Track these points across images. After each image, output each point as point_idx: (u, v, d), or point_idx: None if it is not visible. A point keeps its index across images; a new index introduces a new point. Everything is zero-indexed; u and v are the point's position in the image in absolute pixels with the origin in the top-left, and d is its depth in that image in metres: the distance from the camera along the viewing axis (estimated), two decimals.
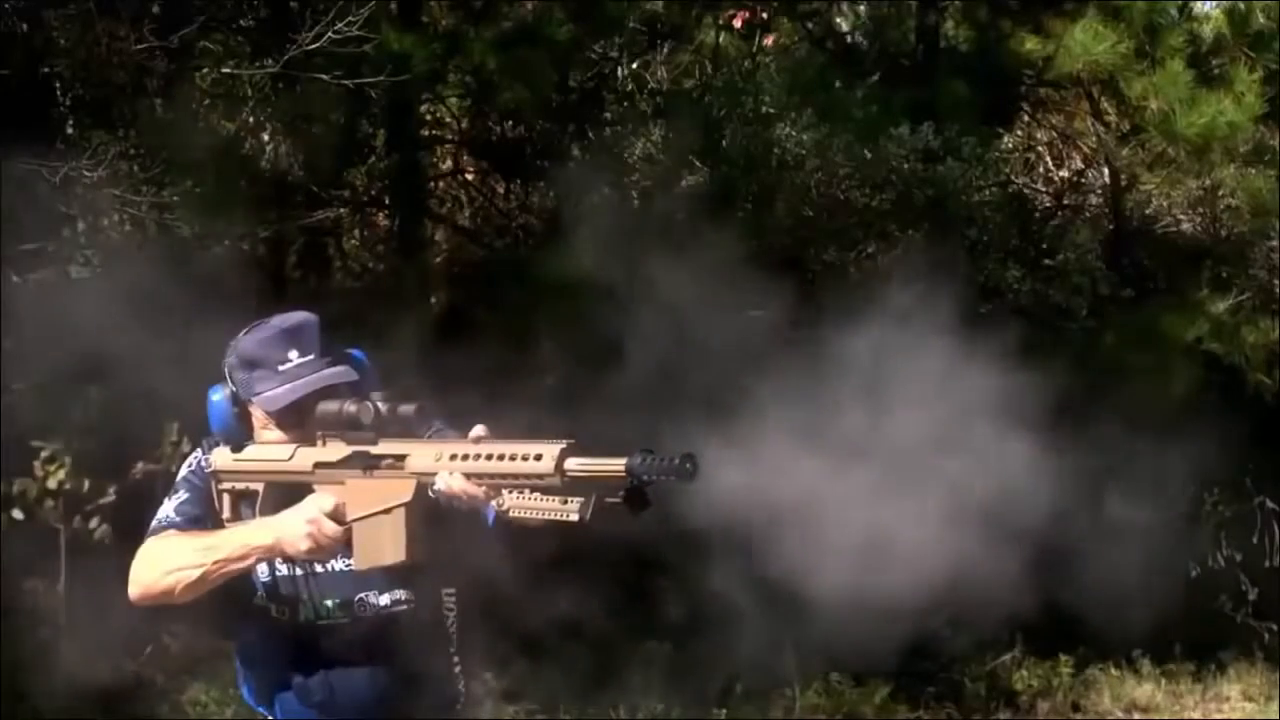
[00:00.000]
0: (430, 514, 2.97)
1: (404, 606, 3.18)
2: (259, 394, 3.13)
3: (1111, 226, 10.48)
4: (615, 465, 2.71)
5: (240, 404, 3.17)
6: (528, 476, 2.78)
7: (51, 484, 7.04)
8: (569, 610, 7.84)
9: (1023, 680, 9.12)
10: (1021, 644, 9.20)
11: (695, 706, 8.33)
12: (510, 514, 2.80)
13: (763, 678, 8.52)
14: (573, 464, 2.75)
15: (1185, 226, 10.64)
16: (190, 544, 3.11)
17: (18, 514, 7.06)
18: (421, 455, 2.95)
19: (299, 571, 3.18)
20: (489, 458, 2.83)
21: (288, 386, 3.09)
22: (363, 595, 3.16)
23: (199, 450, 3.30)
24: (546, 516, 2.75)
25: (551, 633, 8.02)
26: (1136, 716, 9.17)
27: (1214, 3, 10.48)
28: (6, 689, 6.98)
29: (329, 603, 3.17)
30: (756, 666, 8.39)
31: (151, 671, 7.73)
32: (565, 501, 2.73)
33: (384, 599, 3.17)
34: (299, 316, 3.16)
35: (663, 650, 8.32)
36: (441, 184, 9.77)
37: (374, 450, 3.01)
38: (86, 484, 7.08)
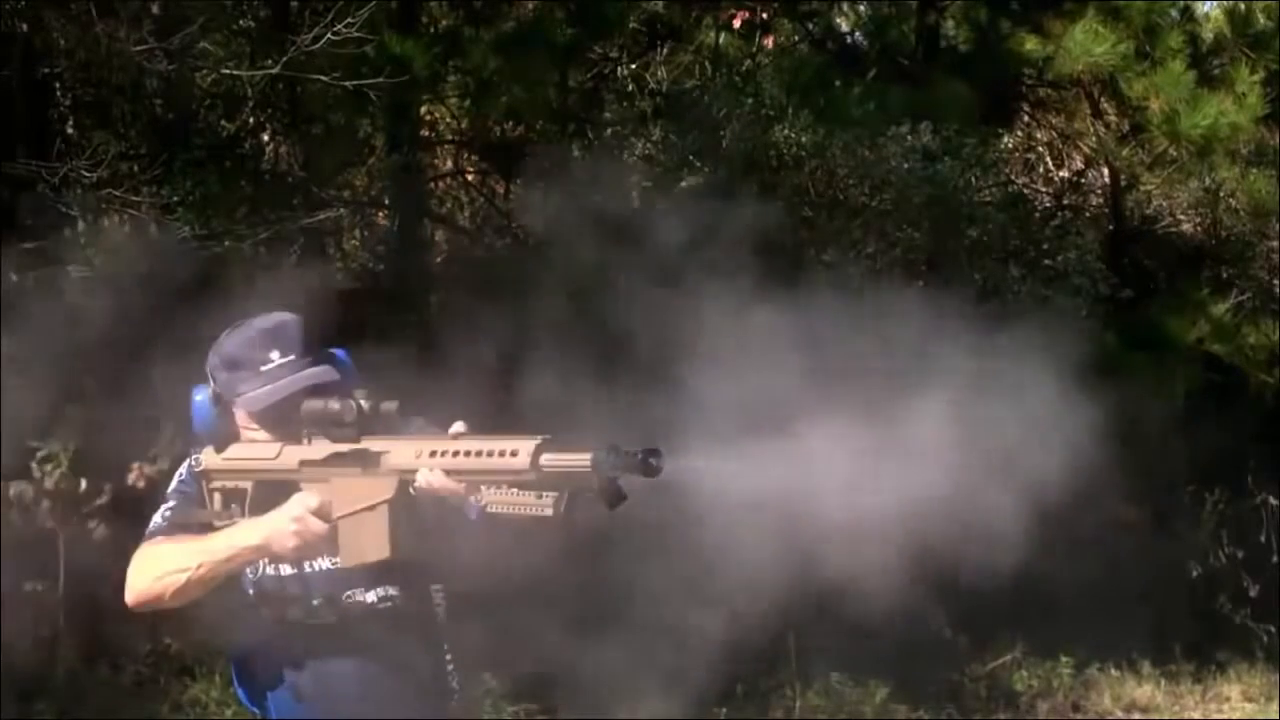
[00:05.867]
0: (413, 510, 3.00)
1: (391, 603, 3.19)
2: (241, 394, 3.15)
3: (1111, 226, 10.47)
4: (584, 460, 2.75)
5: (223, 404, 3.19)
6: (504, 472, 2.81)
7: (48, 485, 7.05)
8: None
9: (1023, 680, 9.11)
10: (1021, 644, 9.19)
11: (695, 706, 8.32)
12: (489, 509, 2.83)
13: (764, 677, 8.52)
14: (547, 459, 2.78)
15: (1185, 227, 10.64)
16: (179, 549, 3.13)
17: (15, 516, 7.07)
18: (402, 452, 2.97)
19: (286, 571, 3.19)
20: (467, 454, 2.86)
21: (269, 387, 3.11)
22: (350, 592, 3.17)
23: (191, 456, 3.31)
24: (523, 511, 2.78)
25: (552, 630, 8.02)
26: (1136, 716, 9.15)
27: (1214, 3, 10.49)
28: (6, 689, 6.99)
29: (317, 601, 3.18)
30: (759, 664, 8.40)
31: (151, 671, 7.74)
32: (540, 496, 2.75)
33: (371, 595, 3.18)
34: (279, 317, 3.19)
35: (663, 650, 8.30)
36: (441, 184, 9.78)
37: (356, 448, 3.04)
38: (83, 485, 7.09)
